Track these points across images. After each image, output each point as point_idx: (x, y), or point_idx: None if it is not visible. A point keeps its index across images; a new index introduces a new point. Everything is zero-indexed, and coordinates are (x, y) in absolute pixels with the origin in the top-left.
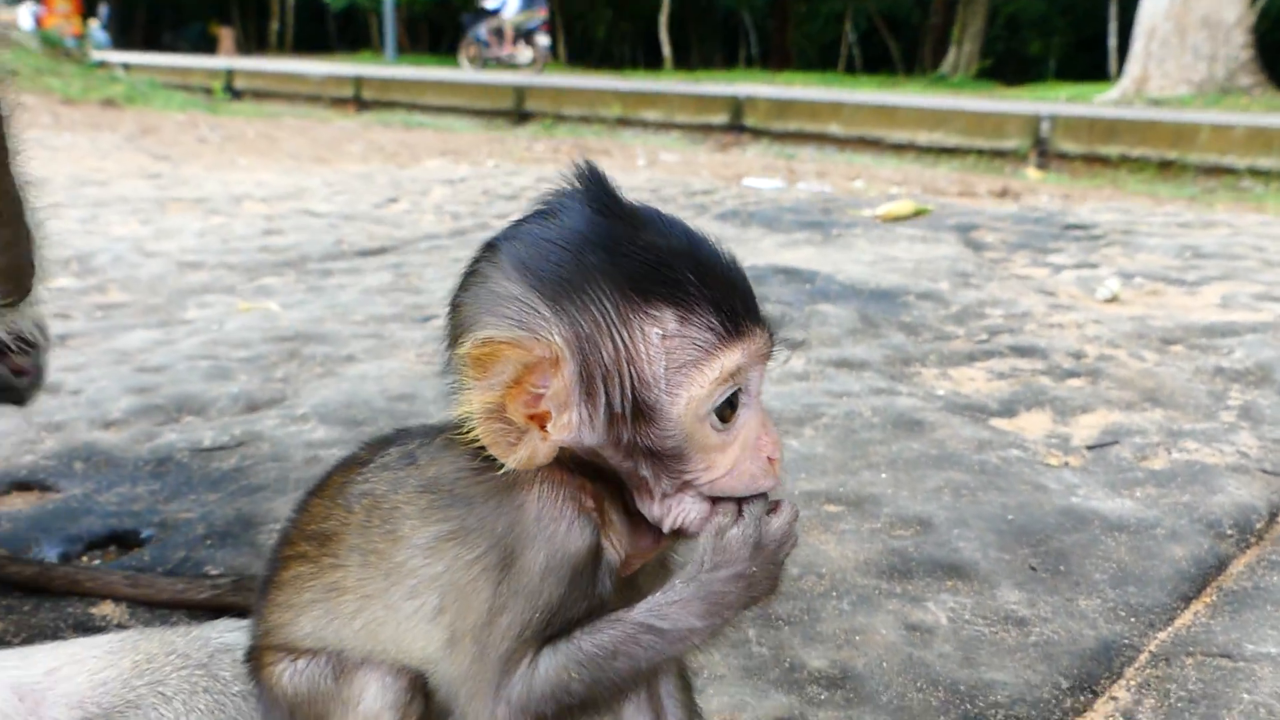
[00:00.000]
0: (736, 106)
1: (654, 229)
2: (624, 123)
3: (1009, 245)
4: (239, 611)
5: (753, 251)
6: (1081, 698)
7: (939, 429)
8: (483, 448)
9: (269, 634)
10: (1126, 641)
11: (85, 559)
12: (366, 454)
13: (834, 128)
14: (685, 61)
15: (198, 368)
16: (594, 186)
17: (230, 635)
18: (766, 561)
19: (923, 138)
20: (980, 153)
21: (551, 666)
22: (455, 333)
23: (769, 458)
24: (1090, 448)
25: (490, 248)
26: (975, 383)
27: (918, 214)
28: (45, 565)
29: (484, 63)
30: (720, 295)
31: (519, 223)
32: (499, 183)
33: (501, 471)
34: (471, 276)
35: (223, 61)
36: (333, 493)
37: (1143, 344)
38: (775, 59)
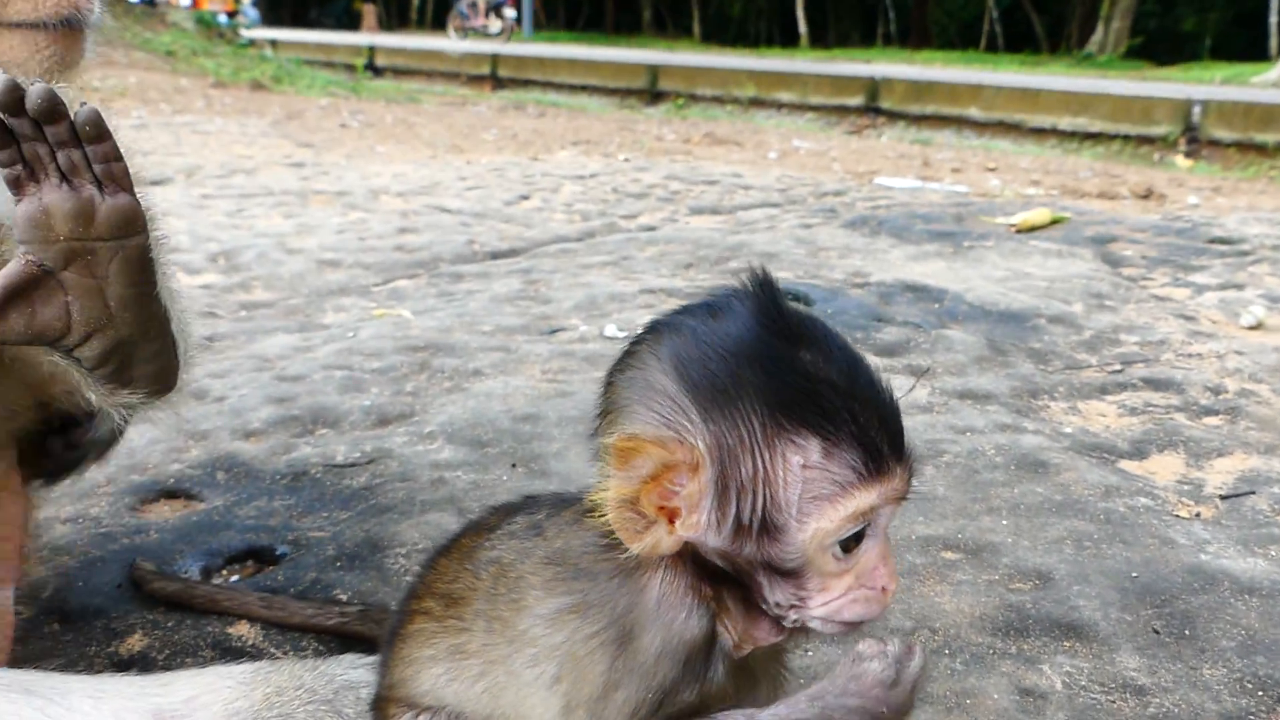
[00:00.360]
0: (872, 88)
1: (816, 350)
2: (757, 104)
3: (1149, 261)
4: (364, 641)
5: (881, 264)
6: None
7: (1064, 471)
8: (610, 529)
9: (393, 686)
10: (1252, 717)
11: (225, 574)
12: (495, 520)
13: (973, 111)
14: (821, 39)
15: (333, 378)
16: (763, 295)
17: (354, 672)
18: (897, 704)
19: (1065, 123)
20: (1126, 139)
21: None
22: (606, 410)
23: (883, 588)
24: (1224, 497)
25: (654, 332)
26: (1105, 419)
27: (1054, 223)
28: (188, 583)
29: (465, 33)
30: (868, 432)
31: (686, 313)
32: (628, 179)
33: (626, 555)
34: (630, 358)
35: (365, 38)
36: (461, 555)
37: None
38: (914, 37)
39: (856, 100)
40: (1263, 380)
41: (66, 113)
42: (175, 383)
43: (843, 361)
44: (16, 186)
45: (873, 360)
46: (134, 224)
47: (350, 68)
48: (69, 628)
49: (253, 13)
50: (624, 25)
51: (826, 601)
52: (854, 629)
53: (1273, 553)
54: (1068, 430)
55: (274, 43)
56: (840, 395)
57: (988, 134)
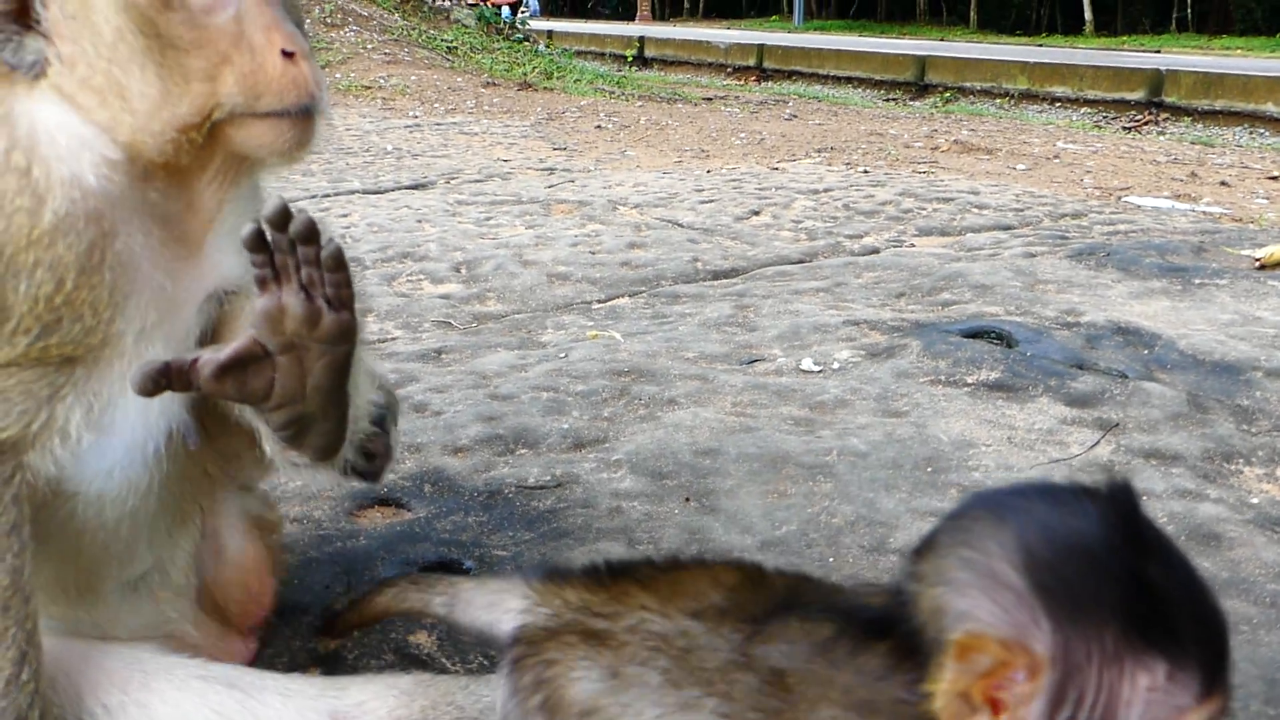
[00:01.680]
0: (1156, 80)
1: (1163, 565)
2: (1029, 97)
3: None
4: None
5: (1098, 302)
6: None
7: (1238, 547)
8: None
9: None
10: None
11: None
12: (753, 601)
13: (1270, 106)
14: (1108, 26)
15: (539, 400)
16: (1123, 505)
17: (500, 692)
18: None
19: None
20: None
21: None
22: (928, 571)
23: None
24: None
25: (991, 511)
26: None
27: None
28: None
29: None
30: (1208, 655)
31: (1027, 498)
32: (862, 195)
33: None
34: (964, 534)
35: (636, 28)
36: (713, 621)
37: None
38: (1213, 22)
39: (1138, 94)
40: None
41: (320, 241)
42: (338, 454)
43: (1186, 578)
44: (262, 284)
45: (1061, 411)
46: (347, 337)
47: (621, 58)
48: (282, 620)
49: (534, 4)
50: (897, 13)
51: None
52: None
53: None
54: (1255, 500)
55: (550, 34)
56: (1188, 616)
57: None
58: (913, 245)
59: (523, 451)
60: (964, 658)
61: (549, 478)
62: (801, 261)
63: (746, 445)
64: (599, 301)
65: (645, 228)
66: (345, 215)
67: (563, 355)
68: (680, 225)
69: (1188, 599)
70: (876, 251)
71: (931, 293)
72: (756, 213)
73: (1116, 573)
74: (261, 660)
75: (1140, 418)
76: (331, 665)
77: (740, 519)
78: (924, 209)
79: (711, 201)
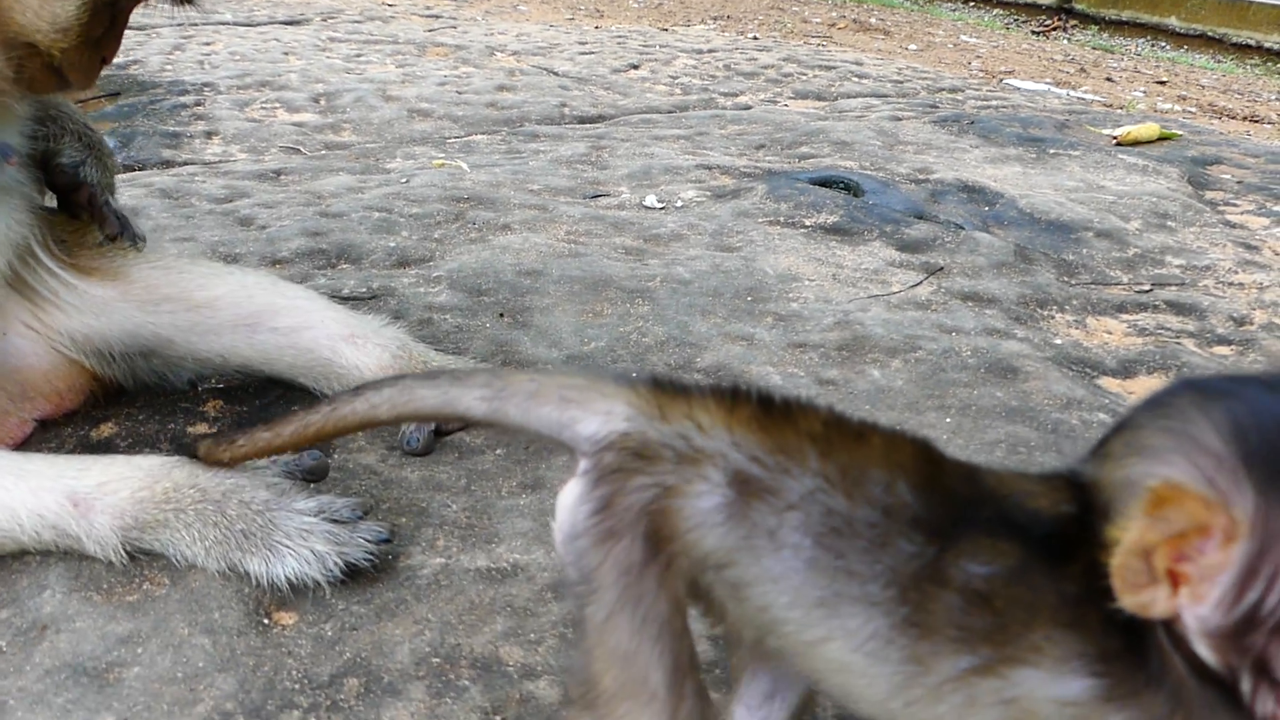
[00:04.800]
0: None
1: None
2: None
3: (1241, 187)
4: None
5: (952, 164)
6: None
7: (1032, 380)
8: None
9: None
10: None
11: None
12: (936, 505)
13: (1173, 21)
14: None
15: (370, 219)
16: None
17: (243, 476)
18: None
19: (1273, 40)
20: None
21: None
22: (1121, 450)
23: None
24: None
25: (1199, 391)
26: (1110, 336)
27: (1162, 139)
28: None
29: None
30: None
31: (1241, 382)
32: (746, 58)
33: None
34: (1167, 408)
35: None
36: (903, 524)
37: None
38: None
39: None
40: None
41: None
42: None
43: None
44: None
45: (891, 255)
46: None
47: None
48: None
49: None
50: None
51: None
52: None
53: None
54: (1058, 342)
55: None
56: None
57: (1185, 46)
58: (786, 106)
59: (344, 266)
60: (1157, 510)
61: (365, 290)
62: (672, 113)
63: (571, 269)
64: (456, 137)
65: (519, 74)
66: (208, 44)
67: (404, 181)
68: (555, 74)
69: None
70: (749, 108)
71: (791, 146)
72: (635, 67)
73: None
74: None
75: (966, 264)
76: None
77: (550, 334)
78: (805, 74)
79: (592, 54)
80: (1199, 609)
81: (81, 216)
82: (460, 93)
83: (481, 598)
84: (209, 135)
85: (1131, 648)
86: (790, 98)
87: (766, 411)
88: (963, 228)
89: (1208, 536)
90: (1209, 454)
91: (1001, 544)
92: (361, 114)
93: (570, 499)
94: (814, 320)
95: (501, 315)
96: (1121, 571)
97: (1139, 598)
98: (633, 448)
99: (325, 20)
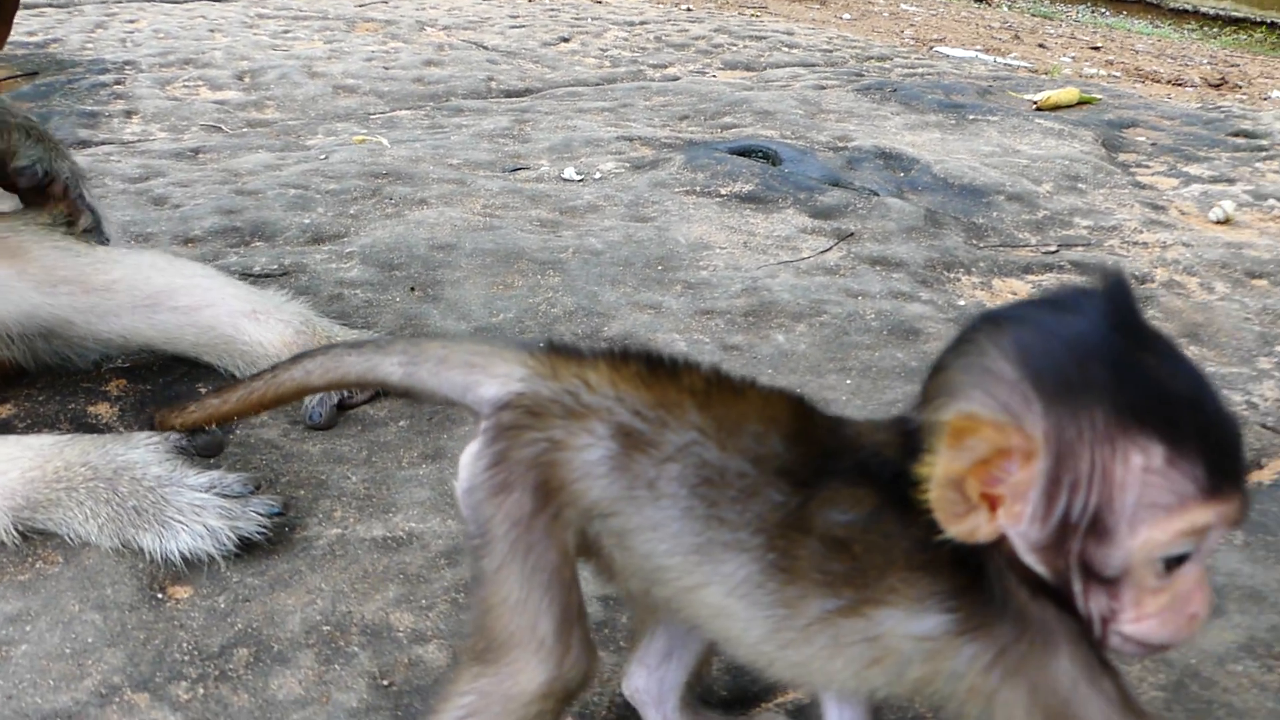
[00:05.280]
0: None
1: (1164, 359)
2: None
3: (1155, 149)
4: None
5: (872, 131)
6: None
7: (932, 340)
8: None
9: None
10: None
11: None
12: (802, 456)
13: None
14: None
15: (285, 196)
16: (1117, 297)
17: (135, 452)
18: None
19: (1209, 5)
20: (1271, 26)
21: None
22: (934, 392)
23: (1193, 614)
24: None
25: (993, 323)
26: (1014, 297)
27: (1082, 103)
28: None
29: None
30: (1212, 449)
31: (1030, 306)
32: (677, 29)
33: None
34: (967, 344)
35: None
36: (771, 474)
37: (1222, 274)
38: None
39: None
40: (1196, 274)
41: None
42: None
43: (1190, 375)
44: None
45: (804, 221)
46: None
47: None
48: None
49: None
50: None
51: (1137, 618)
52: (1153, 651)
53: None
54: (962, 303)
55: None
56: (1189, 407)
57: (1125, 12)
58: (715, 76)
59: (257, 244)
60: (957, 441)
61: (275, 266)
62: (599, 85)
63: (484, 242)
64: (380, 113)
65: (448, 48)
66: (132, 21)
67: (323, 157)
68: (484, 48)
69: (1187, 389)
70: (677, 79)
71: (714, 116)
72: (566, 40)
73: (1108, 357)
74: None
75: (876, 229)
76: None
77: (460, 307)
78: (735, 45)
79: (522, 27)
80: (1018, 527)
81: (49, 209)
82: (387, 68)
83: (375, 566)
84: (128, 114)
85: (979, 583)
86: (719, 68)
87: (651, 370)
88: (877, 194)
89: (1009, 458)
90: (1001, 381)
91: (859, 492)
92: (285, 91)
93: (469, 456)
94: (722, 287)
95: (412, 289)
96: (940, 504)
97: (962, 526)
98: (526, 406)
99: None
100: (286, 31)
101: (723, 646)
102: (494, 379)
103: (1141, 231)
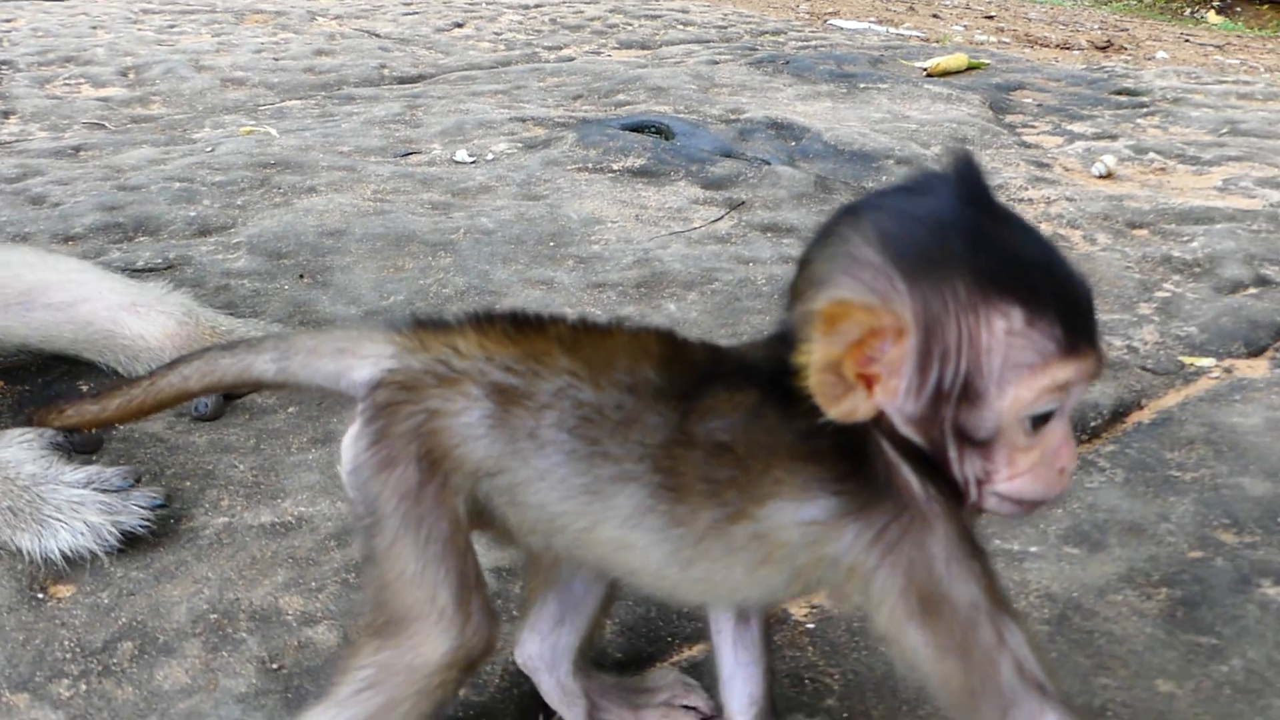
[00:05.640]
0: None
1: (1017, 232)
2: None
3: (1040, 109)
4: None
5: (765, 103)
6: None
7: None
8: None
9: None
10: None
11: None
12: (678, 377)
13: None
14: None
15: (170, 189)
16: (967, 176)
17: (8, 452)
18: None
19: None
20: None
21: None
22: (803, 287)
23: (1061, 468)
24: None
25: (853, 213)
26: None
27: (971, 68)
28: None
29: None
30: (1067, 310)
31: (886, 194)
32: (572, 11)
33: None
34: (830, 236)
35: None
36: (648, 399)
37: (1105, 226)
38: None
39: None
40: (1079, 226)
41: None
42: None
43: (1041, 243)
44: None
45: (696, 193)
46: None
47: None
48: None
49: None
50: None
51: (1011, 476)
52: (1030, 509)
53: None
54: None
55: None
56: (1043, 272)
57: None
58: (610, 56)
59: (141, 239)
60: (830, 327)
61: (160, 261)
62: (494, 68)
63: (374, 226)
64: (270, 104)
65: (339, 37)
66: (9, 20)
67: (209, 150)
68: (376, 35)
69: (1040, 256)
70: (572, 60)
71: (608, 94)
72: (460, 25)
73: (964, 231)
74: None
75: (767, 197)
76: None
77: (349, 292)
78: (631, 24)
79: (416, 14)
80: (895, 402)
81: None
82: (277, 59)
83: (264, 552)
84: (5, 115)
85: (860, 466)
86: (614, 48)
87: (517, 327)
88: (768, 163)
89: (882, 337)
90: (866, 265)
91: (738, 397)
92: (172, 85)
93: (350, 438)
94: (614, 260)
95: (301, 276)
96: (819, 388)
97: (841, 407)
98: (399, 381)
99: None
100: (173, 26)
101: (631, 583)
102: (364, 361)
103: (1027, 189)
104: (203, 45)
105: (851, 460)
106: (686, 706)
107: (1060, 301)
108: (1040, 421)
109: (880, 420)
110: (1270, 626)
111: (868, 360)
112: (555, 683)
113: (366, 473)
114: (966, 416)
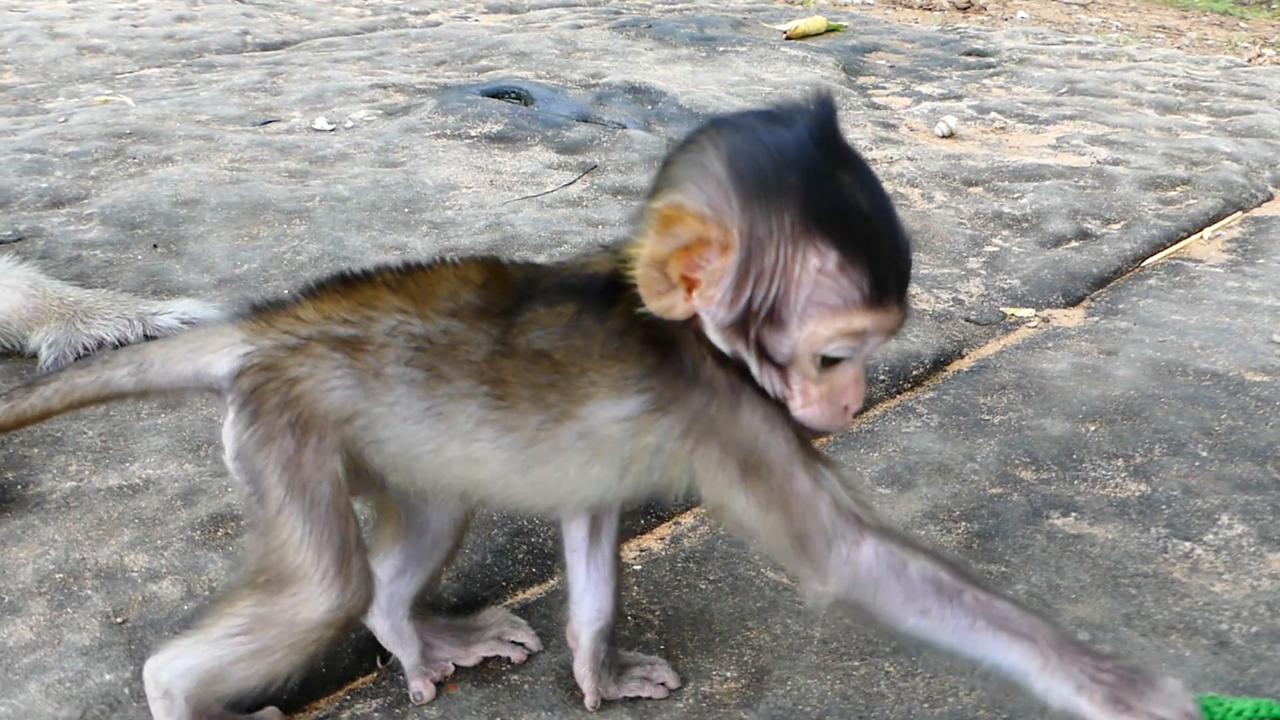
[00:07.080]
0: None
1: (856, 179)
2: None
3: (894, 70)
4: None
5: (625, 67)
6: None
7: None
8: (637, 311)
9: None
10: None
11: None
12: (499, 297)
13: None
14: None
15: (20, 161)
16: (822, 117)
17: None
18: None
19: None
20: None
21: None
22: (659, 185)
23: (846, 407)
24: None
25: (717, 127)
26: None
27: (830, 31)
28: None
29: None
30: (881, 263)
31: (751, 115)
32: None
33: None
34: (692, 144)
35: None
36: (471, 319)
37: (943, 184)
38: None
39: None
40: (918, 185)
41: None
42: None
43: (876, 197)
44: None
45: (550, 157)
46: None
47: None
48: None
49: None
50: None
51: (803, 405)
52: (815, 435)
53: None
54: None
55: None
56: (867, 223)
57: None
58: (478, 20)
59: None
60: (664, 228)
61: (10, 233)
62: (359, 34)
63: (230, 195)
64: (127, 73)
65: (201, 3)
66: None
67: (63, 120)
68: (241, 1)
69: (869, 207)
70: (438, 25)
71: (472, 60)
72: None
73: (804, 167)
74: None
75: (620, 161)
76: None
77: (203, 260)
78: None
79: None
80: (709, 308)
81: None
82: (136, 26)
83: (110, 513)
84: None
85: (670, 363)
86: (482, 12)
87: (347, 283)
88: (624, 126)
89: (709, 247)
90: (711, 178)
91: (558, 308)
92: (24, 54)
93: (227, 427)
94: (467, 225)
95: (155, 246)
96: (643, 281)
97: (661, 302)
98: (258, 364)
99: None
100: None
101: (487, 501)
102: (219, 354)
103: (871, 149)
104: (58, 11)
105: (659, 354)
106: (514, 642)
107: (875, 254)
108: (832, 361)
109: (693, 322)
110: (1053, 554)
111: (692, 265)
112: (390, 627)
113: (249, 453)
114: (769, 338)
